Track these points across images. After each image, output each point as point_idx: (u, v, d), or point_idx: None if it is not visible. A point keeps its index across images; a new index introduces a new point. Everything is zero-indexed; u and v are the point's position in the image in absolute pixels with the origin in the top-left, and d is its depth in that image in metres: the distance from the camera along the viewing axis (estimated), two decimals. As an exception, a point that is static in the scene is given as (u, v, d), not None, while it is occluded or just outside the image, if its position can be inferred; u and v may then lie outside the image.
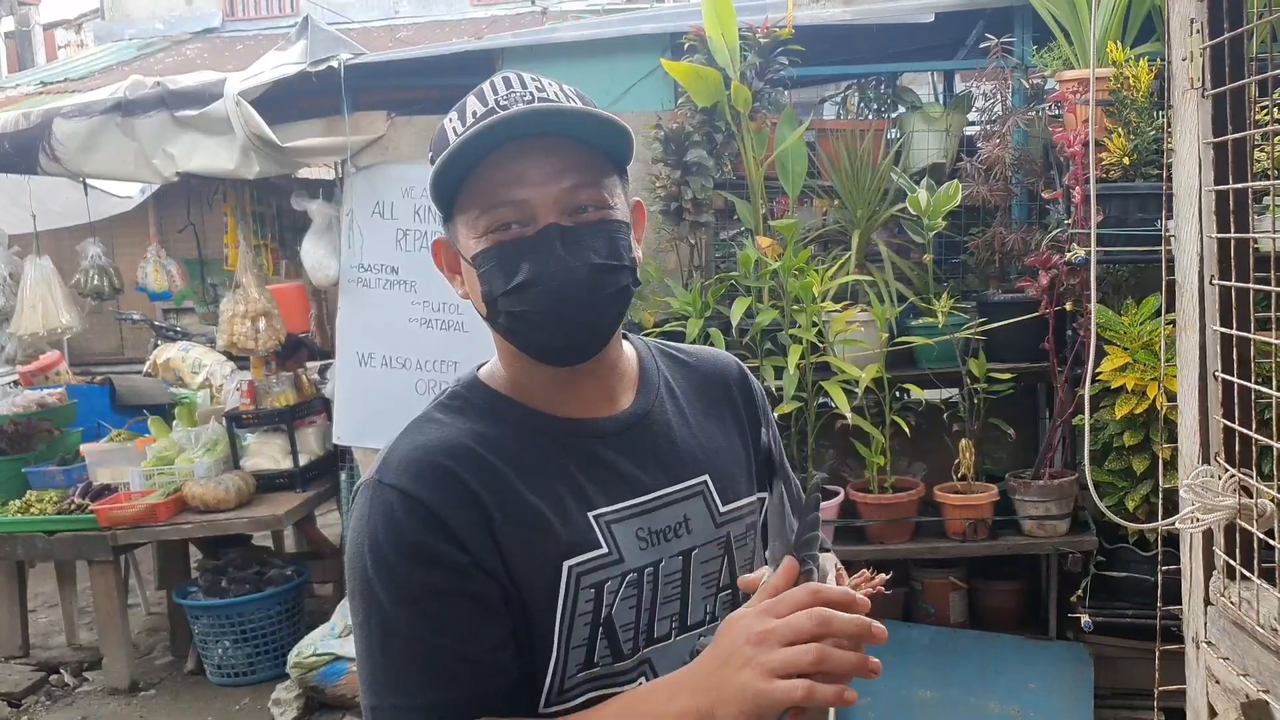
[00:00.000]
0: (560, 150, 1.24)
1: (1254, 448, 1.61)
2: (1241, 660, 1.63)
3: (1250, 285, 1.58)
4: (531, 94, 1.25)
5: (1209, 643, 1.74)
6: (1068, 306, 3.77)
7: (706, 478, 1.37)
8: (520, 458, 1.27)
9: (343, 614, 4.79)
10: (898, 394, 4.01)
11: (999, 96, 4.19)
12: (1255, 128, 1.67)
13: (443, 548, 1.20)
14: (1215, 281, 1.65)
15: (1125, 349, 3.63)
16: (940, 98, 5.23)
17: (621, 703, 1.18)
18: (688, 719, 1.08)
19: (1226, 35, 1.58)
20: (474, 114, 1.25)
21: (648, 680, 1.28)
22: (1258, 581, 1.58)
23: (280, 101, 4.61)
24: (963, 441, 3.90)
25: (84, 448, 5.49)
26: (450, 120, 1.28)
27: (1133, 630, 3.77)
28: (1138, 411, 3.58)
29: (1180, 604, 2.21)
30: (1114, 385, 3.61)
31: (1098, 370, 3.63)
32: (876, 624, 1.04)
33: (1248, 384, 1.61)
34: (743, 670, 1.03)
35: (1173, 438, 3.31)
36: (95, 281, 6.07)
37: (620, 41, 4.45)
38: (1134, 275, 3.90)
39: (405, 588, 1.19)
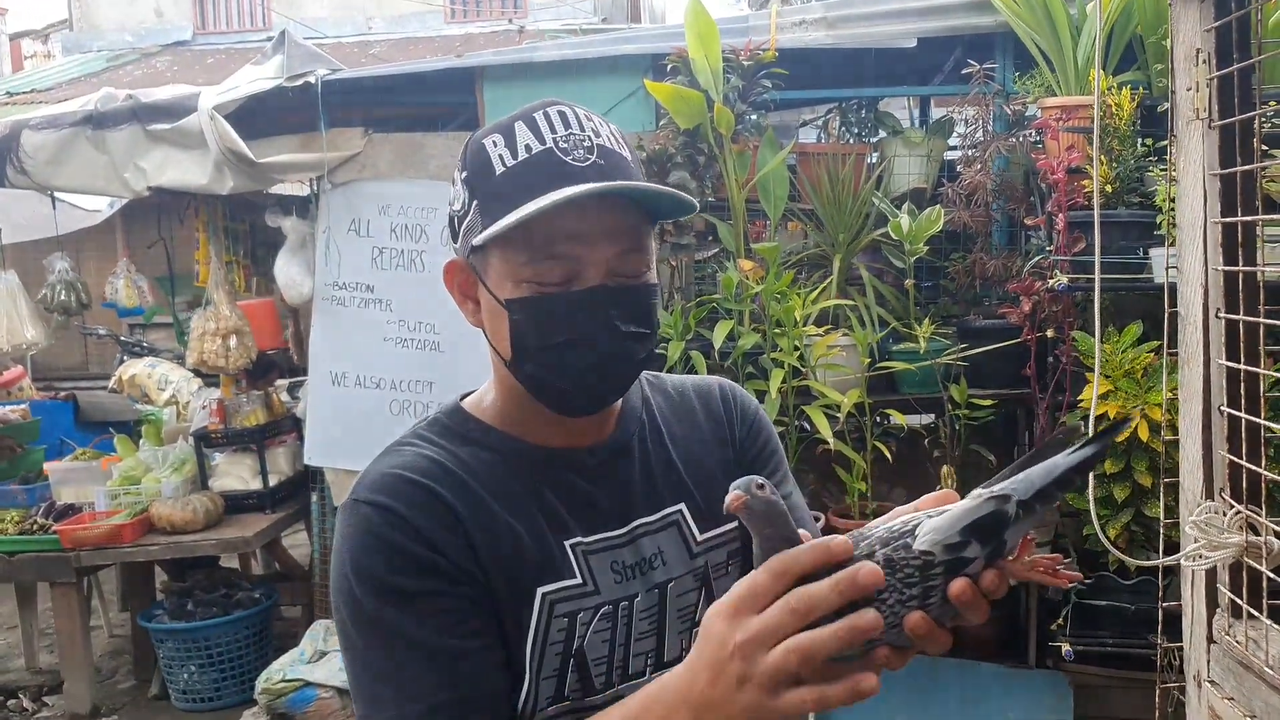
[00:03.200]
0: (619, 210, 1.20)
1: (1263, 484, 1.58)
2: (1248, 701, 1.60)
3: (1260, 320, 1.56)
4: (589, 138, 1.20)
5: (1212, 682, 1.71)
6: (1049, 333, 3.76)
7: (682, 506, 1.34)
8: (499, 482, 1.25)
9: (312, 639, 4.71)
10: (879, 419, 3.98)
11: (980, 122, 4.19)
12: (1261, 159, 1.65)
13: (425, 554, 1.17)
14: (1221, 314, 1.63)
15: (1107, 376, 3.62)
16: (916, 122, 5.25)
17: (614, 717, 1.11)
18: None
19: (1236, 65, 1.56)
20: (527, 148, 1.19)
21: None
22: (1265, 621, 1.56)
23: (255, 116, 4.56)
24: (944, 468, 3.88)
25: (47, 466, 5.38)
26: (494, 145, 1.21)
27: (1113, 659, 3.75)
28: (1119, 439, 3.57)
29: (1165, 635, 2.19)
30: (1095, 413, 3.59)
31: (1078, 398, 3.62)
32: (864, 570, 0.93)
33: (1256, 419, 1.58)
34: (744, 690, 0.97)
35: (1158, 467, 3.31)
36: (62, 296, 5.96)
37: (603, 62, 4.43)
38: (1115, 303, 3.90)
39: (394, 594, 1.16)
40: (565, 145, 1.19)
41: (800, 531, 1.02)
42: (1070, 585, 0.99)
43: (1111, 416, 3.57)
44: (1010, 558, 0.96)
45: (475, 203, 1.22)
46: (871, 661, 0.98)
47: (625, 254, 1.21)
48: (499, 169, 1.19)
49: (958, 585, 0.93)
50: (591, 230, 1.18)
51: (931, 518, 0.96)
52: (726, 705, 0.98)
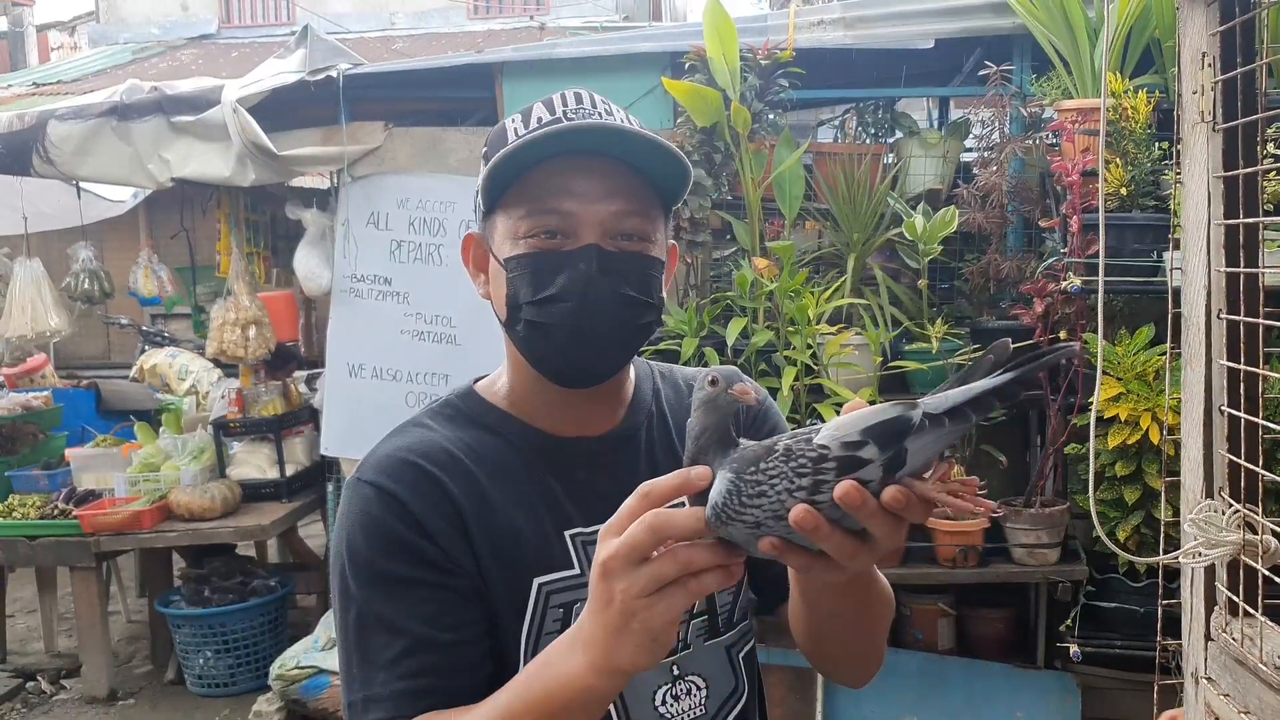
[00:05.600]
0: (617, 173, 1.22)
1: (1260, 483, 1.60)
2: (1243, 698, 1.62)
3: (1259, 320, 1.58)
4: (600, 114, 1.24)
5: (1209, 679, 1.73)
6: (1062, 335, 3.77)
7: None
8: (501, 470, 1.27)
9: (326, 626, 4.75)
10: (890, 418, 4.00)
11: (997, 124, 4.20)
12: (1265, 162, 1.67)
13: (417, 541, 1.19)
14: (1223, 315, 1.65)
15: (1119, 379, 3.63)
16: (935, 123, 5.25)
17: (529, 670, 1.12)
18: (592, 674, 1.02)
19: (1240, 70, 1.58)
20: (539, 120, 1.24)
21: (615, 707, 1.27)
22: (1261, 619, 1.57)
23: (277, 109, 4.60)
24: (954, 468, 3.89)
25: (69, 452, 5.46)
26: (513, 121, 1.26)
27: (1121, 661, 3.77)
28: (1130, 442, 3.58)
29: (1170, 636, 2.21)
30: (1107, 415, 3.61)
31: (1089, 400, 3.63)
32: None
33: (1255, 419, 1.60)
34: (609, 608, 0.98)
35: (1168, 470, 3.32)
36: (85, 285, 6.04)
37: (621, 59, 4.46)
38: (1128, 305, 3.91)
39: (381, 579, 1.19)
40: (574, 116, 1.23)
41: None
42: (990, 514, 0.96)
43: (1122, 419, 3.58)
44: (925, 477, 0.94)
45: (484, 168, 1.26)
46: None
47: (621, 215, 1.22)
48: (512, 139, 1.23)
49: (842, 486, 0.91)
50: (585, 186, 1.21)
51: None
52: (603, 627, 1.00)
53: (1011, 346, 0.92)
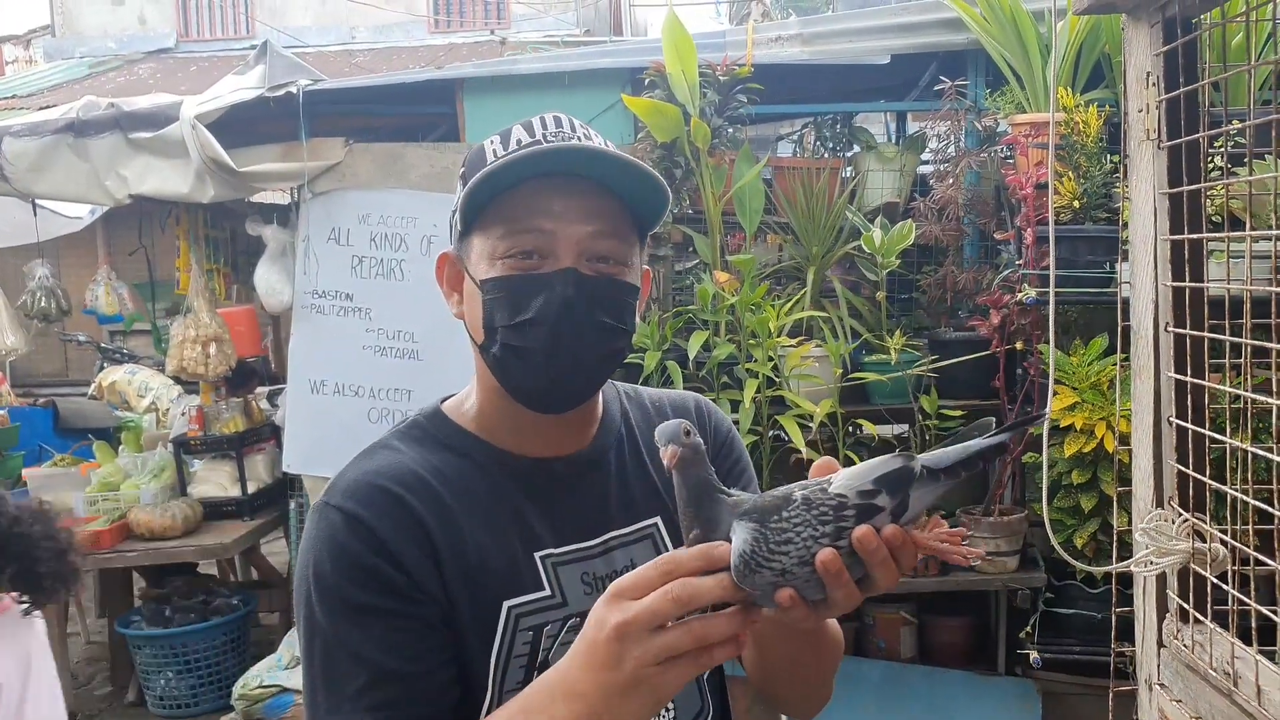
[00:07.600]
0: (595, 195, 1.23)
1: (1208, 493, 1.64)
2: (1194, 703, 1.66)
3: (1205, 334, 1.62)
4: (579, 138, 1.25)
5: (1162, 685, 1.77)
6: (1018, 345, 3.82)
7: (657, 520, 1.36)
8: (471, 493, 1.27)
9: (289, 645, 4.73)
10: (851, 429, 4.04)
11: (952, 138, 4.26)
12: (1208, 179, 1.71)
13: (384, 569, 1.18)
14: (1170, 329, 1.69)
15: (1074, 389, 3.69)
16: (893, 137, 5.32)
17: (508, 710, 1.13)
18: None
19: (1183, 89, 1.62)
20: (519, 142, 1.24)
21: None
22: (1210, 625, 1.61)
23: (237, 125, 4.58)
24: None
25: (26, 472, 5.39)
26: (491, 142, 1.27)
27: (1080, 667, 3.82)
28: (1086, 450, 3.63)
29: (1126, 642, 2.25)
30: (1063, 424, 3.66)
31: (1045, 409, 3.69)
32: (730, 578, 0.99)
33: (1201, 430, 1.64)
34: (617, 670, 1.00)
35: (1122, 478, 3.38)
36: (42, 303, 5.97)
37: (581, 75, 4.48)
38: (1082, 316, 3.97)
39: (347, 607, 1.18)
40: (554, 139, 1.24)
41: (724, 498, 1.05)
42: (973, 561, 1.05)
43: (1078, 428, 3.64)
44: (917, 527, 1.02)
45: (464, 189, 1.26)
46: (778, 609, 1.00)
47: (599, 236, 1.23)
48: (491, 160, 1.24)
49: (861, 530, 0.98)
50: (564, 207, 1.21)
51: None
52: (604, 685, 1.01)
53: (994, 421, 1.04)
